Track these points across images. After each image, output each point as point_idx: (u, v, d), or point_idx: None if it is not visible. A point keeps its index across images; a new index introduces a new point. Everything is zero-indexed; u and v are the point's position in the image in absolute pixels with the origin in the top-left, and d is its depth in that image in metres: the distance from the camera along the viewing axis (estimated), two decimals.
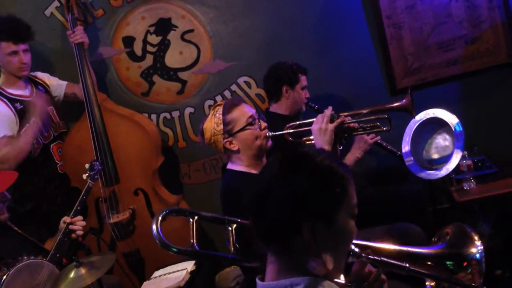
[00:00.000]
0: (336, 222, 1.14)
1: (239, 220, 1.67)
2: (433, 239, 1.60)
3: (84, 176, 2.86)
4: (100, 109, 3.20)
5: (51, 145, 3.17)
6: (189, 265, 2.91)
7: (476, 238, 1.53)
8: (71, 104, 3.36)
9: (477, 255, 1.50)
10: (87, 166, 2.89)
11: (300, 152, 1.21)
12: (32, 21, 3.43)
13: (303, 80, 3.04)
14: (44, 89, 3.24)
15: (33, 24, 3.42)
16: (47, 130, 3.15)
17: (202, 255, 1.81)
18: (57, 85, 3.30)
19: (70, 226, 2.55)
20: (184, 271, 2.83)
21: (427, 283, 1.52)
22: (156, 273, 2.96)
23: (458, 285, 1.48)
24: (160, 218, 1.63)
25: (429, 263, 1.51)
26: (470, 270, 1.50)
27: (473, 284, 1.47)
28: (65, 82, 3.32)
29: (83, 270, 2.15)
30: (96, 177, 2.88)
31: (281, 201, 1.12)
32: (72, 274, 2.14)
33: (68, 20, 3.25)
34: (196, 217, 1.68)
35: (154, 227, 1.61)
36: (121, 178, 3.21)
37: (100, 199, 3.19)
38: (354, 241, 1.31)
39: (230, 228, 1.67)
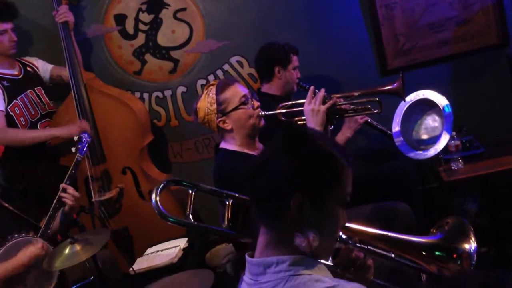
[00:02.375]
0: (324, 205, 1.17)
1: (236, 195, 1.71)
2: (432, 229, 1.63)
3: (73, 149, 2.85)
4: (86, 89, 3.21)
5: (39, 123, 3.20)
6: (182, 242, 2.96)
7: (472, 236, 1.57)
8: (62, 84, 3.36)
9: (470, 251, 1.54)
10: (75, 138, 2.88)
11: (305, 132, 1.26)
12: None
13: (295, 61, 3.05)
14: (33, 70, 3.29)
15: (23, 1, 3.40)
16: (34, 108, 3.17)
17: (197, 226, 1.87)
18: (44, 67, 3.33)
19: (60, 193, 2.56)
20: (177, 248, 2.88)
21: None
22: (149, 250, 3.01)
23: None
24: (160, 188, 1.69)
25: (421, 253, 1.55)
26: (459, 262, 1.53)
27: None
28: (51, 65, 3.34)
29: (78, 247, 2.19)
30: (85, 149, 2.84)
31: (275, 172, 1.16)
32: (67, 250, 2.18)
33: (53, 0, 3.23)
34: (195, 189, 1.74)
35: (153, 196, 1.67)
36: (107, 157, 3.24)
37: (89, 177, 3.21)
38: (348, 225, 1.34)
39: (227, 203, 1.70)
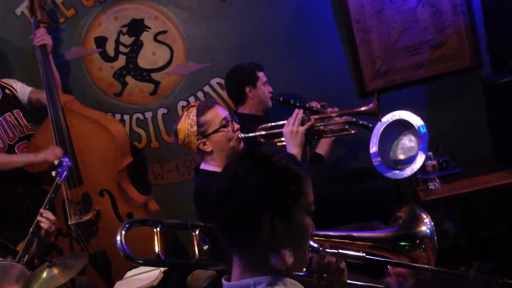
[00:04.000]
0: (292, 218, 1.19)
1: (202, 224, 1.68)
2: (389, 223, 1.69)
3: (53, 173, 2.83)
4: (63, 111, 3.19)
5: (16, 146, 3.17)
6: None
7: (425, 216, 1.63)
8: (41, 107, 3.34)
9: (428, 231, 1.59)
10: (56, 162, 2.86)
11: (259, 151, 1.27)
12: (2, 20, 3.42)
13: (262, 76, 3.07)
14: (11, 92, 3.27)
15: (3, 23, 3.41)
16: (12, 131, 3.15)
17: (168, 263, 1.82)
18: (23, 90, 3.31)
19: (38, 218, 2.54)
20: (157, 271, 2.84)
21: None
22: (129, 273, 2.97)
23: (414, 269, 1.55)
24: (123, 231, 1.61)
25: (385, 246, 1.59)
26: (423, 246, 1.58)
27: (426, 266, 1.55)
28: (30, 88, 3.32)
29: (55, 270, 2.16)
30: (65, 174, 2.82)
31: (239, 198, 1.17)
32: (44, 274, 2.15)
33: (32, 23, 3.23)
34: (159, 226, 1.68)
35: (118, 239, 1.59)
36: (84, 179, 3.21)
37: (67, 200, 3.17)
38: (314, 232, 1.36)
39: (194, 233, 1.68)
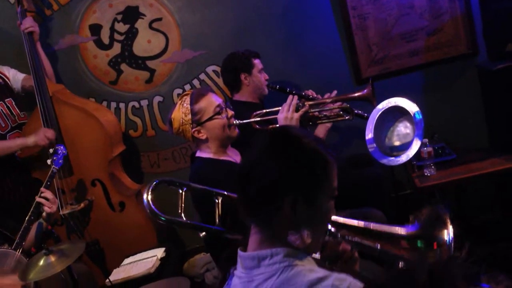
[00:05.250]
0: (315, 200, 1.20)
1: (225, 193, 1.76)
2: (410, 218, 1.68)
3: (49, 161, 2.83)
4: (52, 100, 3.17)
5: (8, 135, 3.17)
6: (159, 252, 2.95)
7: (449, 223, 1.62)
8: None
9: (447, 239, 1.59)
10: (51, 150, 2.85)
11: (290, 132, 1.28)
12: None
13: (258, 64, 3.06)
14: (3, 81, 3.25)
15: None
16: (4, 121, 3.14)
17: (190, 224, 1.90)
18: (16, 77, 3.29)
19: (37, 199, 2.54)
20: (154, 258, 2.87)
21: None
22: (126, 260, 2.99)
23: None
24: (151, 187, 1.74)
25: (401, 242, 1.59)
26: (439, 251, 1.58)
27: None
28: (23, 75, 3.30)
29: (52, 258, 2.16)
30: (60, 162, 2.80)
31: (266, 174, 1.18)
32: (41, 262, 2.15)
33: (18, 12, 3.20)
34: (185, 188, 1.80)
35: (145, 196, 1.71)
36: (75, 169, 3.21)
37: (58, 190, 3.16)
38: (332, 218, 1.36)
39: (217, 201, 1.76)
